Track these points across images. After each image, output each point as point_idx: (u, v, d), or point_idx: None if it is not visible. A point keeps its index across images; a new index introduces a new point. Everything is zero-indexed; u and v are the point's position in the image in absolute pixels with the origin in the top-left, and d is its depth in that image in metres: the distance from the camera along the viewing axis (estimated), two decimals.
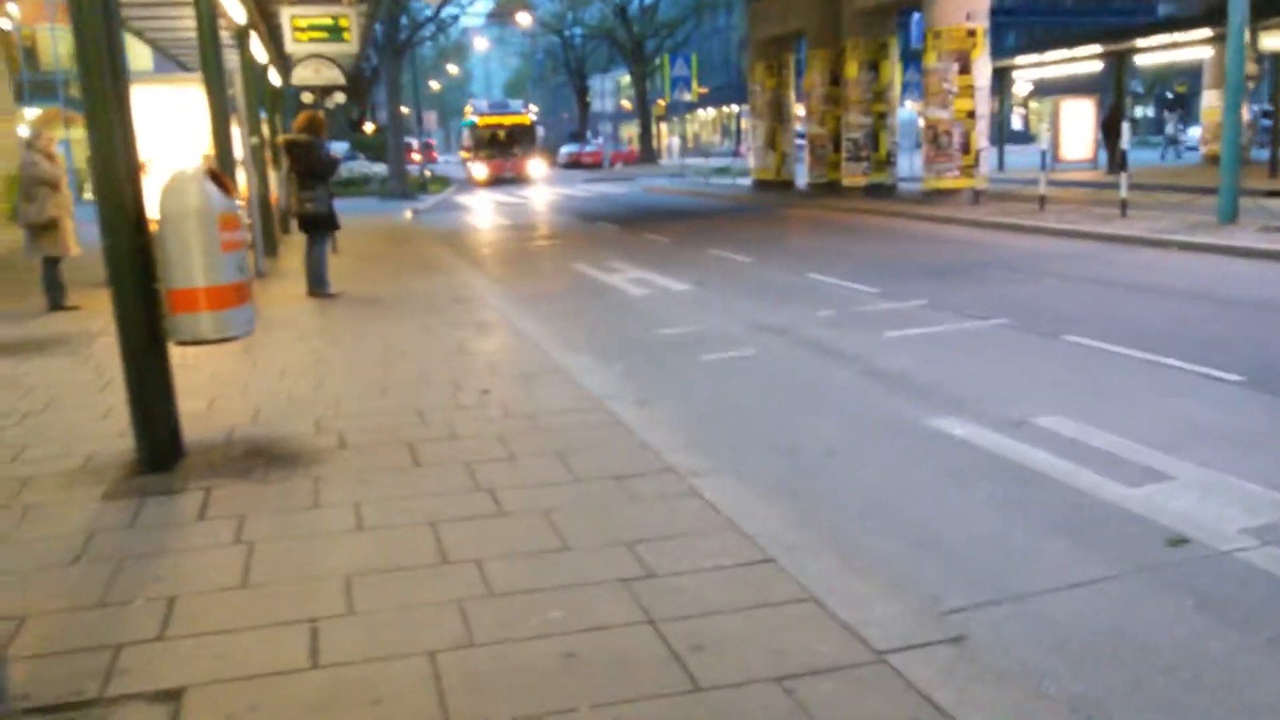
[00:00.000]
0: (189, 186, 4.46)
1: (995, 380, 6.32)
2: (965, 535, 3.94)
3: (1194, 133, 35.53)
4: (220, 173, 4.75)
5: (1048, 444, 4.93)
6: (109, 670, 2.86)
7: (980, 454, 4.88)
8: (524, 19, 52.40)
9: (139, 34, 16.75)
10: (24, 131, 19.80)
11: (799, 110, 28.38)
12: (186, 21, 14.00)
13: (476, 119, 42.39)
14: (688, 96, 36.98)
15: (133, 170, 4.38)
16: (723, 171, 35.05)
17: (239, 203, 4.72)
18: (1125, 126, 16.27)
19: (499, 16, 58.31)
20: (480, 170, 41.06)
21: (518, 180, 39.96)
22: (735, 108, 54.84)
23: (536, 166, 42.42)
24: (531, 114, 43.76)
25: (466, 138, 44.36)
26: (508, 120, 42.23)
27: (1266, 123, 27.45)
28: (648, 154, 57.56)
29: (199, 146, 10.59)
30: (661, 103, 55.34)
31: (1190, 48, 26.98)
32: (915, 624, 2.96)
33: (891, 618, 2.99)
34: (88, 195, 21.41)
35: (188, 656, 2.93)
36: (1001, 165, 27.65)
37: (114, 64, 4.29)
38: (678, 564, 3.41)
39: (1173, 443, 4.86)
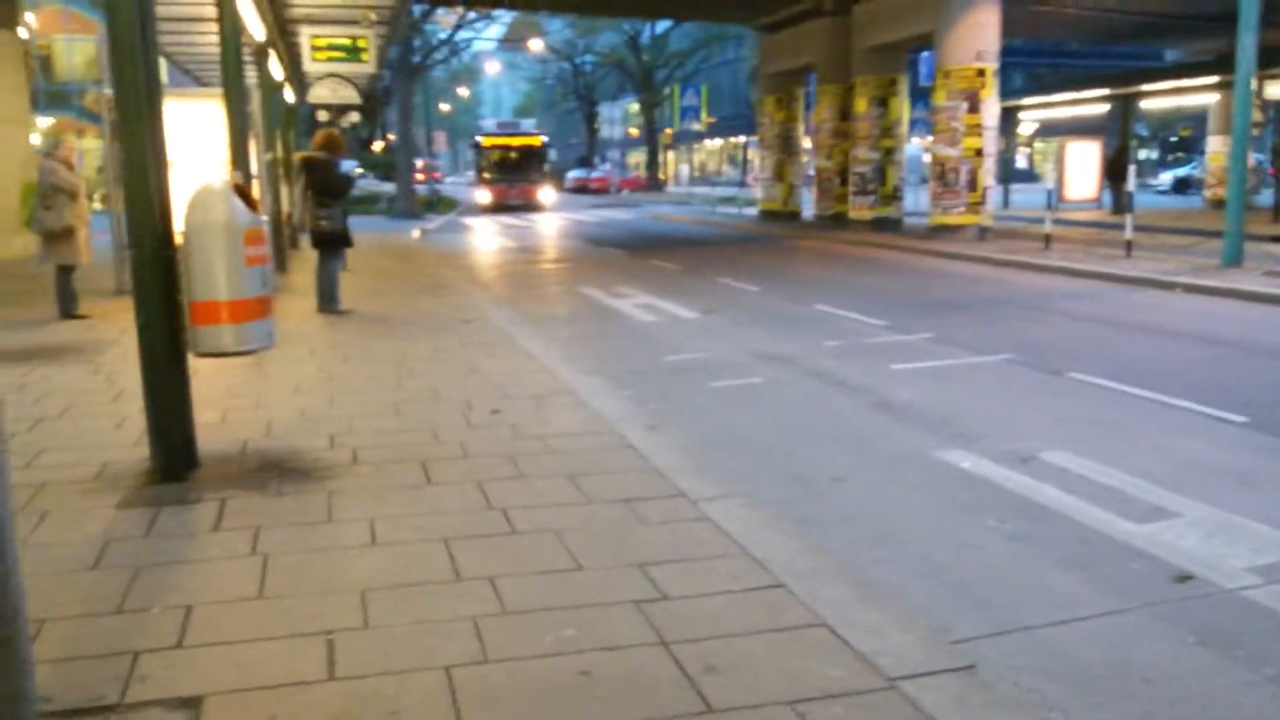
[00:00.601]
0: (215, 201, 4.53)
1: (1002, 415, 6.36)
2: (974, 567, 3.98)
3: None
4: (246, 188, 4.82)
5: (1055, 479, 4.97)
6: (128, 676, 2.89)
7: (988, 487, 4.93)
8: (536, 44, 52.83)
9: (160, 49, 16.92)
10: (37, 140, 19.97)
11: (807, 143, 28.62)
12: (209, 38, 14.18)
13: (481, 139, 39.18)
14: (696, 126, 37.33)
15: (162, 183, 4.46)
16: (729, 201, 35.23)
17: (263, 218, 4.78)
18: (1131, 169, 16.42)
19: (511, 41, 58.78)
20: (484, 195, 37.49)
21: (526, 208, 36.63)
22: (743, 138, 55.19)
23: (546, 193, 38.09)
24: (544, 136, 39.69)
25: (473, 159, 41.45)
26: (516, 141, 38.46)
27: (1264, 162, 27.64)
28: (654, 181, 57.87)
29: (216, 161, 10.70)
30: (669, 131, 55.71)
31: (1195, 94, 27.23)
32: (926, 652, 3.00)
33: (902, 645, 3.03)
34: (97, 205, 21.56)
35: (206, 665, 2.96)
36: (1006, 203, 27.82)
37: (149, 79, 4.37)
38: (689, 587, 3.45)
39: (1179, 481, 4.90)
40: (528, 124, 41.84)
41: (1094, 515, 4.48)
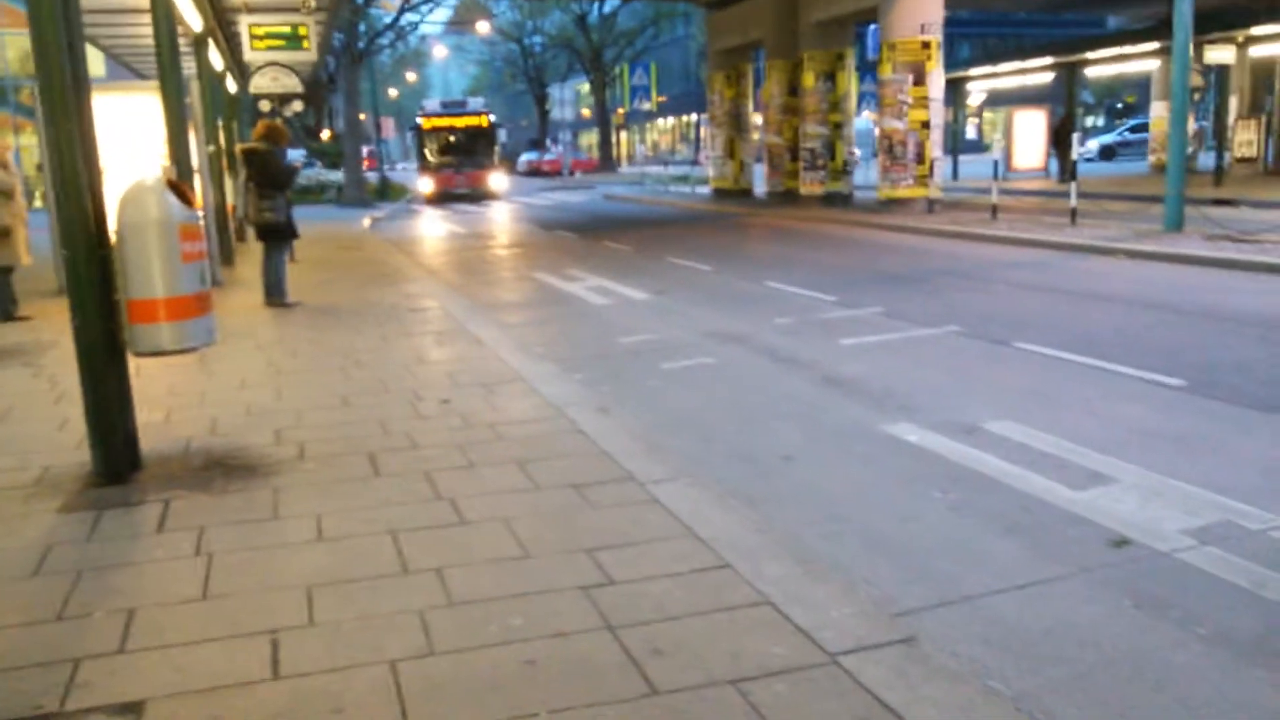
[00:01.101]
0: (149, 197, 4.45)
1: (948, 387, 6.45)
2: (918, 538, 4.04)
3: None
4: (181, 183, 4.74)
5: (998, 449, 5.06)
6: (68, 684, 2.86)
7: (933, 459, 5.00)
8: (483, 27, 52.36)
9: (93, 41, 16.55)
10: None
11: (757, 119, 28.65)
12: (144, 29, 13.88)
13: (421, 120, 34.92)
14: (647, 105, 37.05)
15: (93, 181, 4.38)
16: (682, 180, 35.20)
17: (199, 213, 4.71)
18: (1075, 137, 16.64)
19: (458, 24, 58.20)
20: (426, 184, 33.58)
21: (475, 197, 33.17)
22: (694, 116, 55.11)
23: (498, 180, 34.13)
24: (492, 116, 35.20)
25: (413, 144, 36.73)
26: (461, 122, 34.27)
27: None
28: (607, 162, 57.69)
29: (154, 155, 10.51)
30: (621, 111, 55.49)
31: (1138, 60, 27.63)
32: (868, 626, 3.04)
33: (845, 620, 3.07)
34: (38, 203, 21.09)
35: (148, 669, 2.94)
36: (955, 174, 28.10)
37: (75, 73, 4.28)
38: (636, 571, 3.47)
39: (1117, 446, 5.01)
40: (476, 102, 36.72)
41: (1034, 483, 4.56)
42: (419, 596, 3.34)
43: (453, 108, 35.74)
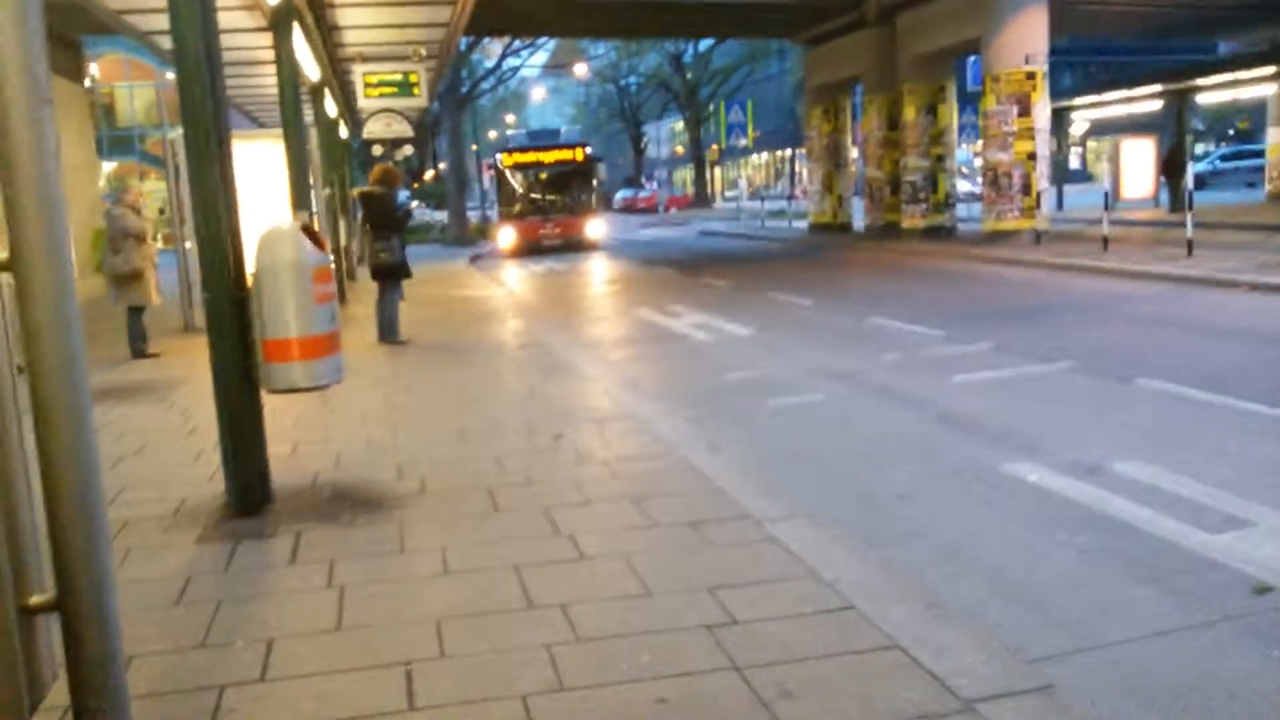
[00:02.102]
0: (285, 241, 4.66)
1: (1067, 425, 6.28)
2: (1047, 582, 3.94)
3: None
4: (313, 228, 4.95)
5: (1125, 490, 4.90)
6: (215, 710, 2.98)
7: (1057, 500, 4.87)
8: (580, 69, 53.30)
9: None
10: (101, 184, 20.65)
11: (854, 153, 28.48)
12: (264, 79, 14.55)
13: (501, 155, 28.63)
14: (744, 142, 36.87)
15: (233, 226, 4.60)
16: (779, 215, 35.14)
17: (329, 256, 4.91)
18: (1189, 165, 16.12)
19: (556, 67, 59.35)
20: (507, 235, 26.96)
21: (568, 248, 26.68)
22: (789, 151, 55.05)
23: (597, 227, 27.56)
24: (589, 148, 29.10)
25: (494, 185, 30.44)
26: (551, 157, 28.04)
27: None
28: (701, 198, 58.00)
29: (277, 200, 10.95)
30: (715, 148, 55.75)
31: (1253, 85, 26.65)
32: (1002, 672, 2.98)
33: (978, 666, 3.01)
34: (159, 245, 22.17)
35: (291, 697, 3.04)
36: (1061, 205, 27.42)
37: (218, 124, 4.52)
38: (760, 610, 3.46)
39: (1251, 488, 4.80)
40: (571, 134, 31.73)
41: (1166, 526, 4.41)
42: (546, 631, 3.38)
43: (542, 140, 30.02)
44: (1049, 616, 3.64)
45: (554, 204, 27.63)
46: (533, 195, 27.76)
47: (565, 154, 28.08)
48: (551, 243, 26.55)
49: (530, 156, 27.95)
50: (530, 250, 26.41)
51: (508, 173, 27.88)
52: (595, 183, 28.44)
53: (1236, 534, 4.28)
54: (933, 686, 2.90)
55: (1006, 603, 3.77)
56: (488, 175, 38.02)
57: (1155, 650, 3.34)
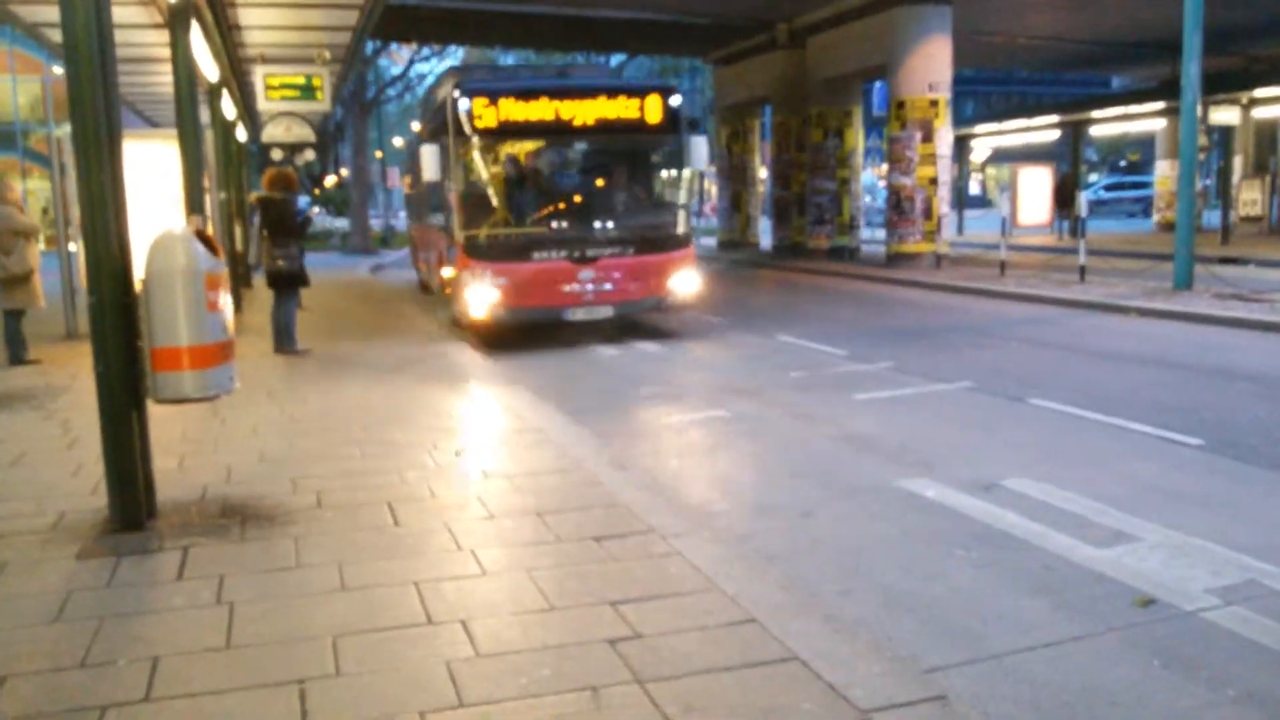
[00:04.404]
0: (177, 245, 4.49)
1: (963, 443, 6.44)
2: (942, 595, 4.02)
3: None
4: (207, 233, 4.79)
5: (1018, 506, 5.04)
6: None
7: (952, 515, 4.98)
8: None
9: None
10: None
11: (763, 173, 28.91)
12: (159, 78, 14.09)
13: (474, 104, 10.70)
14: None
15: (122, 228, 4.42)
16: None
17: (223, 262, 4.75)
18: (1081, 195, 16.77)
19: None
20: (481, 296, 10.86)
21: (621, 327, 12.14)
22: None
23: (689, 277, 11.72)
24: (673, 99, 11.43)
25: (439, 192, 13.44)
26: (591, 112, 11.15)
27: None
28: None
29: (169, 202, 10.58)
30: None
31: (1144, 119, 27.94)
32: (897, 683, 3.02)
33: (874, 677, 3.05)
34: (42, 246, 21.24)
35: (177, 718, 2.91)
36: (961, 230, 28.27)
37: (110, 122, 4.35)
38: (663, 624, 3.45)
39: (1138, 505, 4.99)
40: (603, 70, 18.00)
41: (1057, 541, 4.54)
42: (445, 647, 3.31)
43: (567, 76, 13.42)
44: (944, 628, 3.71)
45: (598, 218, 11.57)
46: (551, 195, 11.85)
47: (625, 105, 11.40)
48: (601, 314, 11.26)
49: (546, 108, 11.14)
50: (530, 331, 11.75)
51: (485, 147, 10.99)
52: (689, 175, 12.04)
53: (1123, 548, 4.43)
54: (830, 697, 2.92)
55: (903, 615, 3.83)
56: (397, 184, 36.00)
57: (1045, 660, 3.43)
